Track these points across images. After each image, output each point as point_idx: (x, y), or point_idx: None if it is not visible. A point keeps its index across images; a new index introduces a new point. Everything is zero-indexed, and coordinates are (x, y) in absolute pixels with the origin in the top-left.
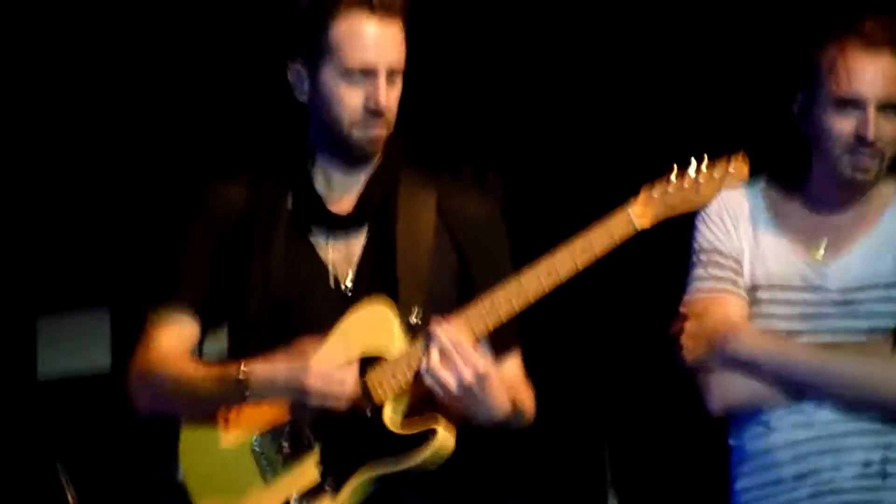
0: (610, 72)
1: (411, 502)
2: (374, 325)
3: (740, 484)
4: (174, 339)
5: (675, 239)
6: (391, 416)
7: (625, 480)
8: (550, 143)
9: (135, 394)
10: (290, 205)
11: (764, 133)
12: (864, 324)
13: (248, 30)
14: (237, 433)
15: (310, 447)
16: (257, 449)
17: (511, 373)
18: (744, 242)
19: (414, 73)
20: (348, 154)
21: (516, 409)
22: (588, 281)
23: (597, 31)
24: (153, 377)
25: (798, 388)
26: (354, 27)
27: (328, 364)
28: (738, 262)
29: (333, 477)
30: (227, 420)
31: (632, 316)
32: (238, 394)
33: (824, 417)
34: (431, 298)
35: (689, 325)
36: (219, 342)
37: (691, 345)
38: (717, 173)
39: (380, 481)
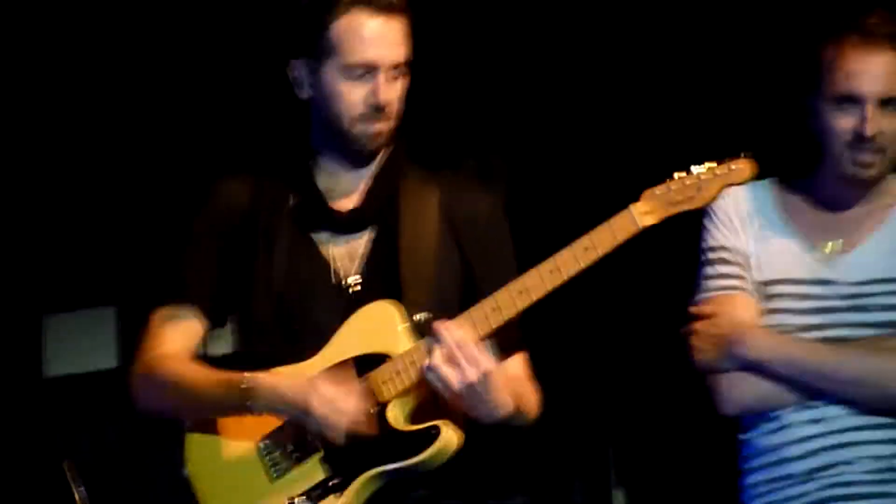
0: (616, 68)
1: (417, 500)
2: (379, 324)
3: (751, 479)
4: (178, 337)
5: (685, 237)
6: (396, 415)
7: (630, 477)
8: (555, 137)
9: (137, 393)
10: (293, 204)
11: (773, 132)
12: (874, 317)
13: (250, 29)
14: (243, 434)
15: (315, 448)
16: (263, 449)
17: (515, 371)
18: (753, 240)
19: (419, 66)
20: (351, 151)
21: (519, 408)
22: (594, 279)
23: (603, 26)
24: (156, 377)
25: (809, 389)
26: (355, 24)
27: (333, 391)
28: (747, 259)
29: (338, 476)
30: (233, 421)
31: (637, 313)
32: (241, 406)
33: (834, 412)
34: (436, 297)
35: (699, 326)
36: (225, 342)
37: (702, 345)
38: (720, 173)
39: (385, 480)
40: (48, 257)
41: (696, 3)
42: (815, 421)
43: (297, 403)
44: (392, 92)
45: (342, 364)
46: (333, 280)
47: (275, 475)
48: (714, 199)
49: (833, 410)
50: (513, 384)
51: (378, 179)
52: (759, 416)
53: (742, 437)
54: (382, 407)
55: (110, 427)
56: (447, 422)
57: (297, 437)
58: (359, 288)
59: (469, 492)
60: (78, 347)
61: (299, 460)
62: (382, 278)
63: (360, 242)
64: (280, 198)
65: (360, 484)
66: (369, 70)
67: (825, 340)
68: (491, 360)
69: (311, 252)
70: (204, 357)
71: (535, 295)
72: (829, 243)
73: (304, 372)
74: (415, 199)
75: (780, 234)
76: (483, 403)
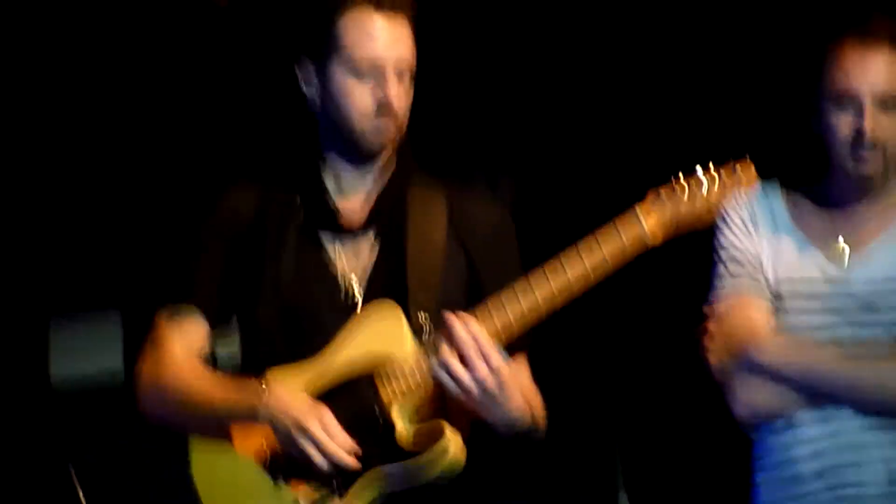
0: (619, 77)
1: None
2: (383, 328)
3: (761, 476)
4: (183, 342)
5: (696, 239)
6: (398, 420)
7: (637, 482)
8: (560, 149)
9: (144, 401)
10: (300, 209)
11: (780, 134)
12: (886, 317)
13: (256, 30)
14: (248, 440)
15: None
16: (268, 455)
17: (522, 376)
18: (764, 243)
19: (425, 79)
20: (358, 151)
21: (534, 416)
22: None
23: (607, 39)
24: (163, 387)
25: (823, 394)
26: (361, 22)
27: (336, 426)
28: (760, 263)
29: (341, 479)
30: (237, 427)
31: (648, 316)
32: (250, 417)
33: (844, 413)
34: (442, 305)
35: (713, 330)
36: (232, 346)
37: (716, 350)
38: (724, 181)
39: (388, 484)
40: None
41: (698, 7)
42: (824, 422)
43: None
44: (399, 90)
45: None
46: (340, 286)
47: (279, 481)
48: (718, 209)
49: (842, 412)
50: (524, 389)
51: (386, 185)
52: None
53: (753, 435)
54: (386, 412)
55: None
56: (450, 428)
57: None
58: (364, 291)
59: (474, 496)
60: (84, 352)
61: (302, 466)
62: (388, 282)
63: (367, 246)
64: (287, 202)
65: (362, 485)
66: (376, 67)
67: (837, 340)
68: (504, 357)
69: (317, 258)
70: (211, 357)
71: (542, 298)
72: (839, 243)
73: (307, 372)
74: (422, 205)
75: (791, 235)
76: (496, 405)
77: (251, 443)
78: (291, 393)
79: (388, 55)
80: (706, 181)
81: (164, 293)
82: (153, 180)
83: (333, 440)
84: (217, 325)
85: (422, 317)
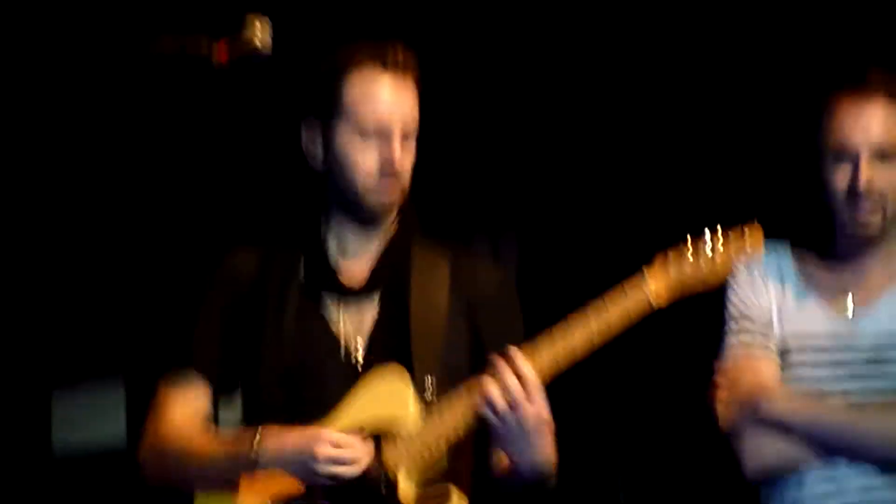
0: (627, 139)
1: None
2: (389, 391)
3: None
4: (186, 408)
5: (709, 299)
6: (404, 487)
7: None
8: (564, 212)
9: (146, 465)
10: (302, 272)
11: (785, 194)
12: (894, 371)
13: (260, 91)
14: (251, 493)
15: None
16: None
17: None
18: (773, 303)
19: (428, 139)
20: (362, 212)
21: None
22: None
23: (613, 98)
24: (165, 450)
25: (832, 449)
26: (367, 82)
27: (339, 437)
28: (769, 324)
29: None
30: (241, 486)
31: (655, 375)
32: (249, 464)
33: (850, 471)
34: (445, 370)
35: (722, 390)
36: (235, 411)
37: (725, 409)
38: (731, 243)
39: None
40: (56, 331)
41: (705, 71)
42: (832, 479)
43: (302, 450)
44: (404, 151)
45: (353, 429)
46: (342, 349)
47: None
48: (726, 273)
49: (849, 469)
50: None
51: (389, 250)
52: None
53: (762, 491)
54: (391, 479)
55: (120, 499)
56: (456, 494)
57: (305, 496)
58: (367, 353)
59: None
60: (87, 420)
61: None
62: (391, 347)
63: (370, 313)
64: (289, 267)
65: None
66: (381, 128)
67: (845, 394)
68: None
69: (319, 322)
70: (214, 422)
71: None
72: (846, 301)
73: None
74: (425, 271)
75: (799, 293)
76: (530, 446)
77: (254, 495)
78: (283, 431)
79: (392, 116)
80: (714, 244)
81: (166, 360)
82: (155, 245)
83: (349, 449)
84: (221, 389)
85: (428, 380)
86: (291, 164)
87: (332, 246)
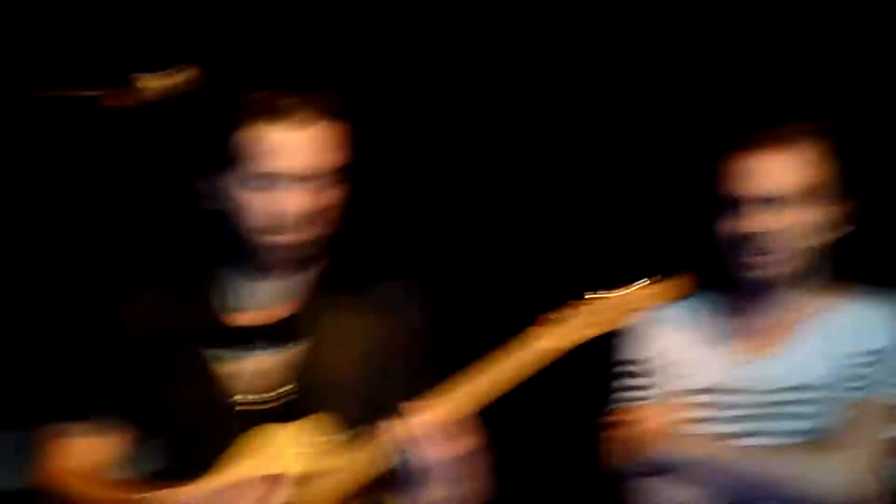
0: (528, 189)
1: None
2: (275, 445)
3: None
4: (79, 459)
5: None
6: None
7: None
8: (465, 260)
9: None
10: (196, 321)
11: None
12: (786, 426)
13: (151, 143)
14: None
15: None
16: None
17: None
18: (669, 350)
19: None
20: (256, 262)
21: None
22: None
23: (505, 158)
24: (53, 498)
25: (727, 491)
26: (258, 133)
27: (237, 489)
28: (665, 370)
29: None
30: None
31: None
32: None
33: None
34: (348, 418)
35: (617, 434)
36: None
37: (620, 452)
38: (631, 297)
39: None
40: None
41: (599, 128)
42: None
43: None
44: (295, 202)
45: (245, 480)
46: (238, 399)
47: None
48: (620, 323)
49: None
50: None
51: (297, 294)
52: None
53: None
54: None
55: None
56: None
57: None
58: (263, 406)
59: None
60: None
61: None
62: (295, 399)
63: (271, 361)
64: (184, 316)
65: None
66: (274, 179)
67: (743, 443)
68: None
69: (212, 372)
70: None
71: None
72: (744, 351)
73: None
74: (330, 317)
75: (696, 344)
76: (436, 490)
77: None
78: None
79: (282, 166)
80: (609, 303)
81: (61, 411)
82: (49, 297)
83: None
84: (116, 440)
85: (332, 429)
86: (186, 215)
87: (229, 294)
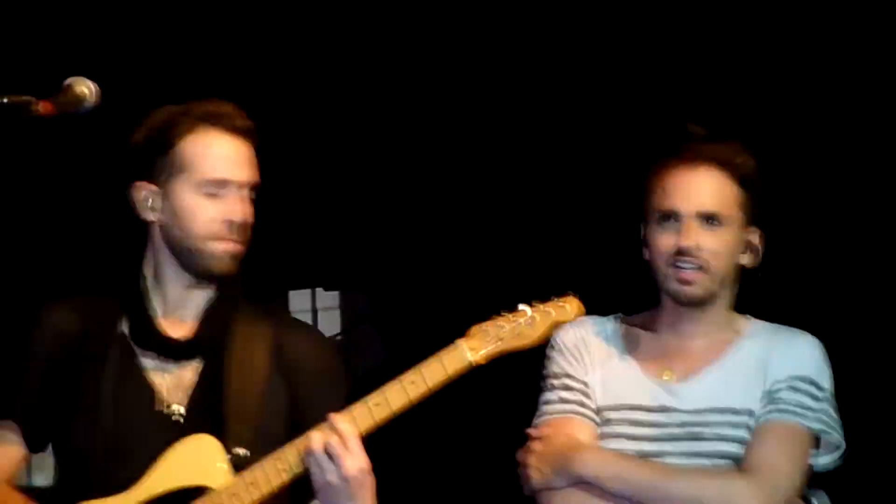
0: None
1: None
2: (199, 458)
3: None
4: None
5: (526, 365)
6: None
7: None
8: (387, 273)
9: None
10: (123, 328)
11: (613, 267)
12: (709, 447)
13: (85, 154)
14: None
15: None
16: None
17: None
18: (596, 369)
19: (272, 201)
20: (199, 269)
21: None
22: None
23: (435, 174)
24: None
25: None
26: (205, 141)
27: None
28: (588, 387)
29: None
30: None
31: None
32: None
33: None
34: (260, 433)
35: (536, 447)
36: (45, 475)
37: (538, 466)
38: (548, 312)
39: None
40: None
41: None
42: None
43: None
44: (242, 211)
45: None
46: (158, 409)
47: None
48: (543, 338)
49: None
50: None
51: (211, 310)
52: None
53: None
54: None
55: None
56: None
57: None
58: (183, 419)
59: None
60: None
61: None
62: (207, 411)
63: (188, 372)
64: (110, 323)
65: None
66: (222, 186)
67: (662, 461)
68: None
69: (139, 380)
70: (26, 490)
71: (364, 428)
72: (668, 372)
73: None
74: (246, 334)
75: (622, 362)
76: (351, 498)
77: None
78: None
79: (233, 173)
80: (531, 317)
81: None
82: None
83: None
84: (33, 446)
85: (240, 451)
86: (118, 223)
87: (157, 304)
